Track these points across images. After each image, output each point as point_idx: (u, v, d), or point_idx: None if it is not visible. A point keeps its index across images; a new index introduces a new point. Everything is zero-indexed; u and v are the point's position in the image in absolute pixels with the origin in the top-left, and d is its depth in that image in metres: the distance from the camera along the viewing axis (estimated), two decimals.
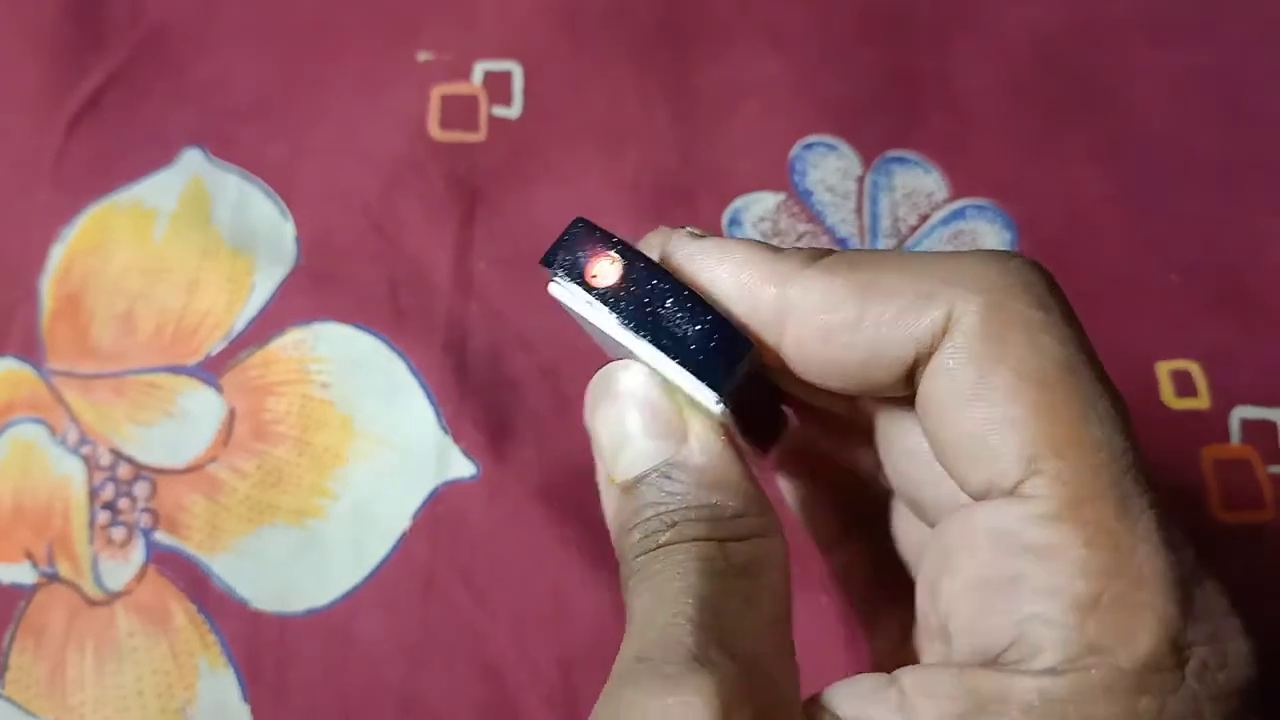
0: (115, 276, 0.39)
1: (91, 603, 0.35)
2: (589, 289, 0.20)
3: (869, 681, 0.19)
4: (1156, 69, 0.42)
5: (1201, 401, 0.37)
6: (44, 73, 0.42)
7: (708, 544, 0.19)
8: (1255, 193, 0.40)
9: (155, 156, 0.41)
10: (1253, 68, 0.42)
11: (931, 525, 0.22)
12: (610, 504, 0.22)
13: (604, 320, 0.20)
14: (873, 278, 0.19)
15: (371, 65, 0.42)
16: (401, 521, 0.35)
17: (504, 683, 0.33)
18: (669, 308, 0.20)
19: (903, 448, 0.22)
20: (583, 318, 0.21)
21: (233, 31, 0.43)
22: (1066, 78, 0.42)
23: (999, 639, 0.17)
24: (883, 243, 0.39)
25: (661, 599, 0.19)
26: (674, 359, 0.20)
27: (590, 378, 0.37)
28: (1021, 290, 0.18)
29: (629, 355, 0.21)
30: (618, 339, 0.20)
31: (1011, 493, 0.18)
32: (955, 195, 0.40)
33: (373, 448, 0.36)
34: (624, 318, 0.20)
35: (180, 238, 0.39)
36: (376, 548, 0.35)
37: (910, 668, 0.18)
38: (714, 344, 0.20)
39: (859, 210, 0.40)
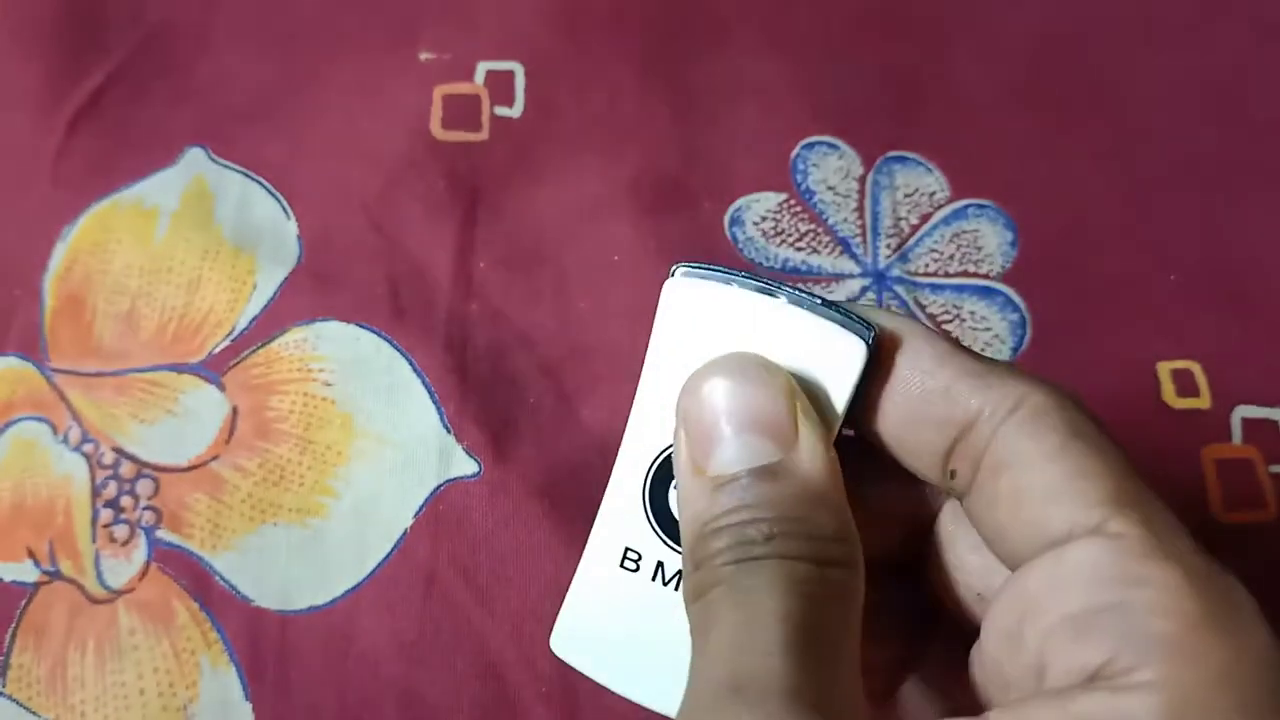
0: (117, 275, 0.39)
1: (93, 601, 0.35)
2: (726, 270, 0.21)
3: None
4: (1155, 70, 0.42)
5: (1203, 401, 0.37)
6: (44, 72, 0.42)
7: (807, 565, 0.18)
8: (1255, 193, 0.40)
9: (156, 156, 0.41)
10: (1250, 69, 0.42)
11: (979, 593, 0.22)
12: (695, 498, 0.20)
13: (743, 285, 0.21)
14: (962, 352, 0.21)
15: (373, 65, 0.42)
16: (403, 520, 0.35)
17: (504, 681, 0.33)
18: (801, 290, 0.21)
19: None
20: (704, 303, 0.21)
21: (233, 31, 0.43)
22: (1066, 78, 0.42)
23: (1096, 658, 0.17)
24: (884, 242, 0.39)
25: (756, 620, 0.18)
26: (815, 308, 0.20)
27: (592, 376, 0.38)
28: (1082, 407, 0.20)
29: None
30: (750, 315, 0.21)
31: (1096, 531, 0.18)
32: (956, 195, 0.40)
33: (374, 446, 0.36)
34: (764, 283, 0.21)
35: (182, 237, 0.39)
36: (378, 546, 0.35)
37: (1001, 708, 0.18)
38: (849, 311, 0.20)
39: (860, 210, 0.40)
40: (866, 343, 0.20)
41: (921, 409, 0.20)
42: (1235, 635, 0.17)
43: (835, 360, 0.20)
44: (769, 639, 0.17)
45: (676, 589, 0.22)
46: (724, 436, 0.20)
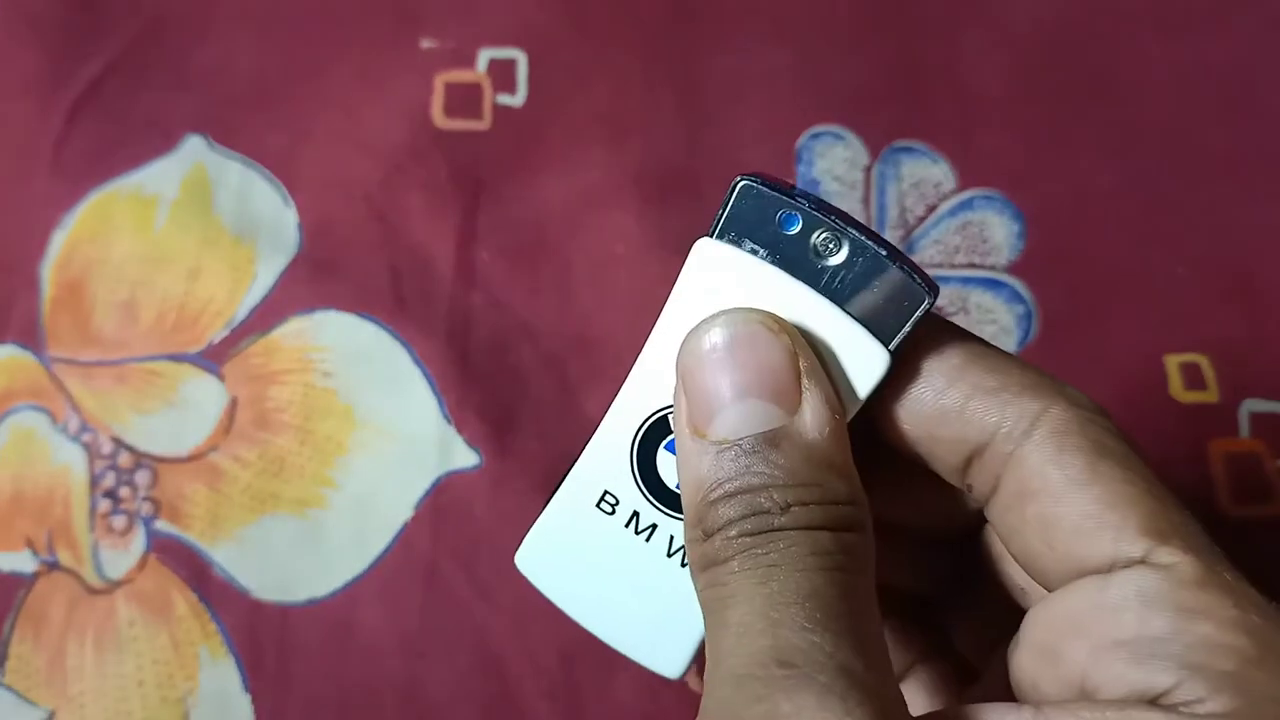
0: (116, 264, 0.39)
1: (92, 591, 0.34)
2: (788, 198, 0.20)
3: (1005, 712, 0.18)
4: (1165, 61, 0.42)
5: (1210, 395, 0.37)
6: (45, 60, 0.42)
7: (827, 534, 0.18)
8: (1264, 186, 0.40)
9: (156, 144, 0.41)
10: (1261, 60, 0.42)
11: (1022, 587, 0.22)
12: (696, 461, 0.19)
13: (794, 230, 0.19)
14: (983, 353, 0.20)
15: (375, 52, 0.42)
16: (403, 512, 0.35)
17: (505, 674, 0.33)
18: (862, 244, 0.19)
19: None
20: (733, 272, 0.20)
21: (234, 18, 0.43)
22: (1075, 69, 0.42)
23: (1155, 685, 0.17)
24: (890, 233, 0.39)
25: (784, 595, 0.17)
26: (882, 249, 0.19)
27: (594, 368, 0.37)
28: (1107, 419, 0.20)
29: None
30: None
31: (1144, 562, 0.18)
32: (963, 186, 0.40)
33: (375, 438, 0.36)
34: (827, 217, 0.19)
35: (181, 226, 0.39)
36: (378, 538, 0.35)
37: (1051, 705, 0.18)
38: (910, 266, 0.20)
39: (866, 200, 0.40)
40: (889, 353, 0.19)
41: (935, 427, 0.20)
42: None
43: (857, 360, 0.20)
44: (803, 615, 0.17)
45: (649, 540, 0.22)
46: (725, 398, 0.19)
